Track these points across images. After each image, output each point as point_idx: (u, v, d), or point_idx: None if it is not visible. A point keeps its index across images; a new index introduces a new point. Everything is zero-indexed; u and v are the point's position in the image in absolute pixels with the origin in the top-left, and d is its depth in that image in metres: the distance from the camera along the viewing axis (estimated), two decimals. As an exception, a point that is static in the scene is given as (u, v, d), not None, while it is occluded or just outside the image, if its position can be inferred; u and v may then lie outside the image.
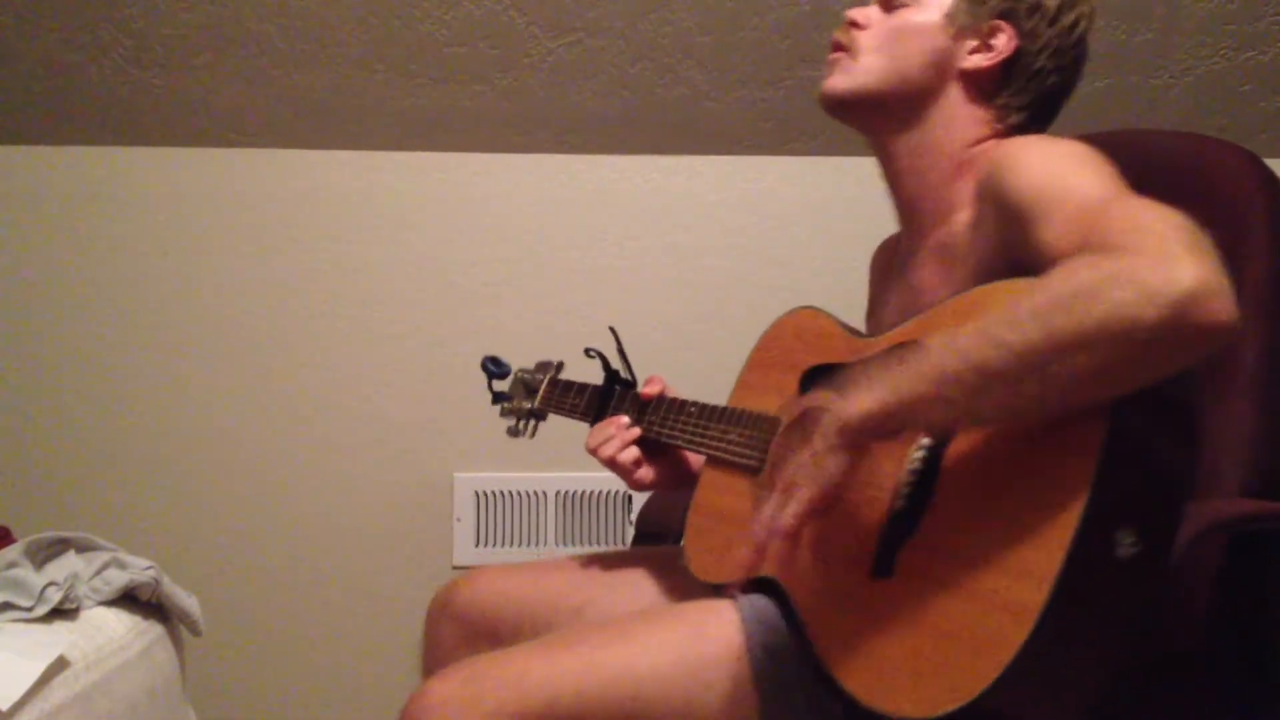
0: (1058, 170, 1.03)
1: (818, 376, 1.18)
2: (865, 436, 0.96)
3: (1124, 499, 0.89)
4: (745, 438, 1.23)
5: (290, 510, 2.12)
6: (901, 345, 1.05)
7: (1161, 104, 2.07)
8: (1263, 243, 1.22)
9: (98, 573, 1.38)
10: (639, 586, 1.34)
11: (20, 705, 1.08)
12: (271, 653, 2.09)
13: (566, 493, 2.14)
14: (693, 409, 1.31)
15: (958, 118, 1.20)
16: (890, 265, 1.36)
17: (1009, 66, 1.19)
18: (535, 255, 2.17)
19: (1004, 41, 1.18)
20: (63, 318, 2.10)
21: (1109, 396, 0.88)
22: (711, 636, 1.08)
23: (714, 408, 1.30)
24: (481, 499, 2.13)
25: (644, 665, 1.06)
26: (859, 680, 0.97)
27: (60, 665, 1.17)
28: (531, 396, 1.51)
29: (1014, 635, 0.87)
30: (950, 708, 0.89)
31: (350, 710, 2.10)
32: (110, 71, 1.99)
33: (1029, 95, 1.21)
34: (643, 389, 1.38)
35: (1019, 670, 0.86)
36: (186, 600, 1.49)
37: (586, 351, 1.44)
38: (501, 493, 2.13)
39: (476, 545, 2.13)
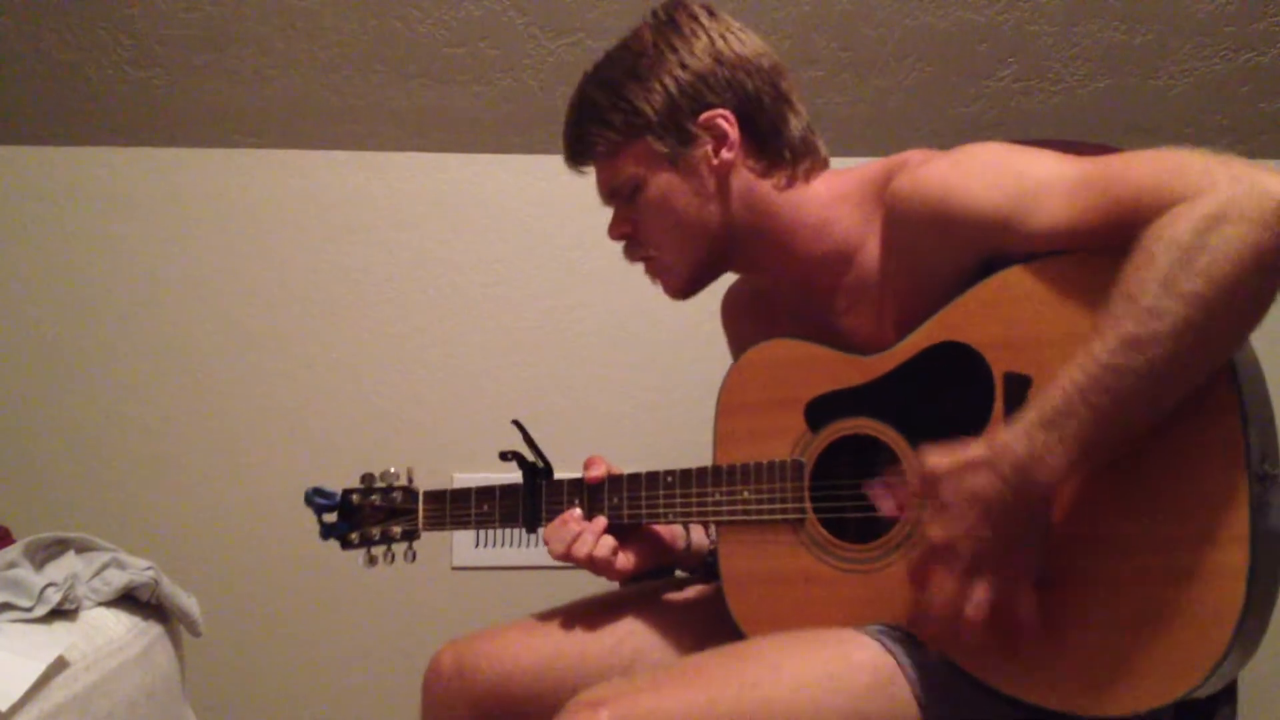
0: (1010, 166, 1.02)
1: (829, 406, 1.12)
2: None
3: (1261, 432, 0.91)
4: (763, 493, 1.15)
5: (290, 510, 2.11)
6: (950, 344, 1.02)
7: (1161, 104, 2.07)
8: None
9: (97, 573, 1.38)
10: (683, 627, 1.25)
11: (20, 705, 1.08)
12: (271, 653, 2.09)
13: (566, 493, 2.14)
14: (669, 479, 1.21)
15: (765, 204, 1.17)
16: (750, 310, 1.33)
17: (750, 133, 1.16)
18: (535, 255, 2.17)
19: (724, 124, 1.15)
20: (62, 318, 2.10)
21: (1258, 324, 0.89)
22: (859, 663, 1.01)
23: (702, 471, 1.20)
24: (481, 499, 2.13)
25: (803, 702, 0.98)
26: (1051, 693, 0.95)
27: (60, 666, 1.17)
28: (398, 518, 1.36)
29: (1233, 599, 0.88)
30: (1189, 686, 0.89)
31: (350, 710, 2.10)
32: (110, 71, 1.99)
33: (784, 129, 1.17)
34: (587, 474, 1.25)
35: (1241, 632, 0.87)
36: (186, 600, 1.49)
37: (502, 455, 1.28)
38: (501, 493, 2.13)
39: (476, 546, 2.13)
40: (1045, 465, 0.90)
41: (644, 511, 1.22)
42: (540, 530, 1.27)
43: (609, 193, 1.23)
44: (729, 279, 1.35)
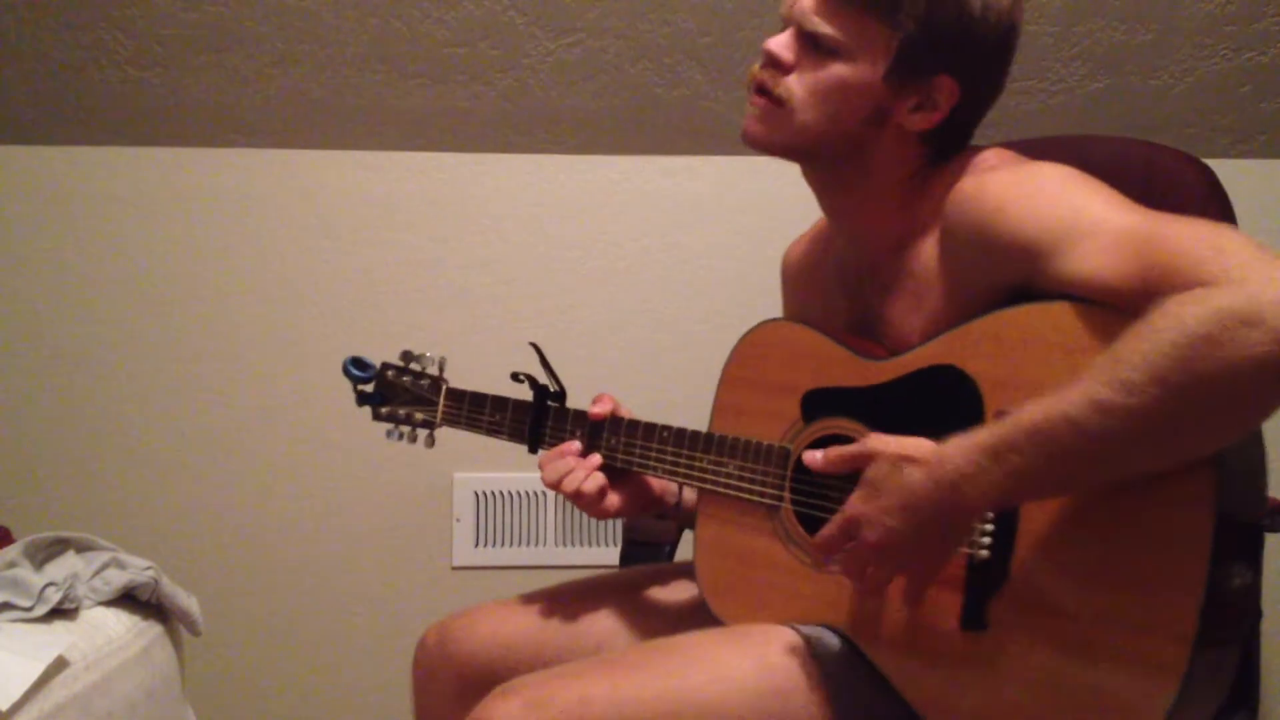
0: (1065, 199, 0.99)
1: (824, 401, 1.13)
2: (979, 520, 0.94)
3: (1235, 535, 0.87)
4: (748, 471, 1.16)
5: (290, 510, 2.12)
6: (950, 369, 1.02)
7: (1161, 104, 2.07)
8: None
9: (97, 573, 1.38)
10: (654, 616, 1.27)
11: (20, 705, 1.08)
12: (271, 653, 2.09)
13: (566, 493, 2.14)
14: (665, 434, 1.22)
15: (894, 161, 1.13)
16: (812, 273, 1.31)
17: (949, 117, 1.11)
18: (535, 255, 2.16)
19: (945, 98, 1.10)
20: (62, 318, 2.10)
21: (1236, 438, 0.85)
22: (778, 665, 1.03)
23: (695, 434, 1.21)
24: (481, 499, 2.13)
25: (713, 696, 1.01)
26: None
27: (60, 665, 1.17)
28: (422, 405, 1.38)
29: (1160, 697, 0.85)
30: None
31: (350, 710, 2.10)
32: (110, 71, 1.99)
33: (966, 130, 1.15)
34: (591, 409, 1.27)
35: None
36: (186, 600, 1.49)
37: (514, 376, 1.31)
38: (501, 493, 2.13)
39: (476, 545, 2.13)
40: (977, 488, 0.90)
41: (636, 459, 1.24)
42: (540, 452, 1.29)
43: (810, 28, 1.09)
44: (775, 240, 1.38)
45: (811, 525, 1.12)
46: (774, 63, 1.11)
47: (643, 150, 2.18)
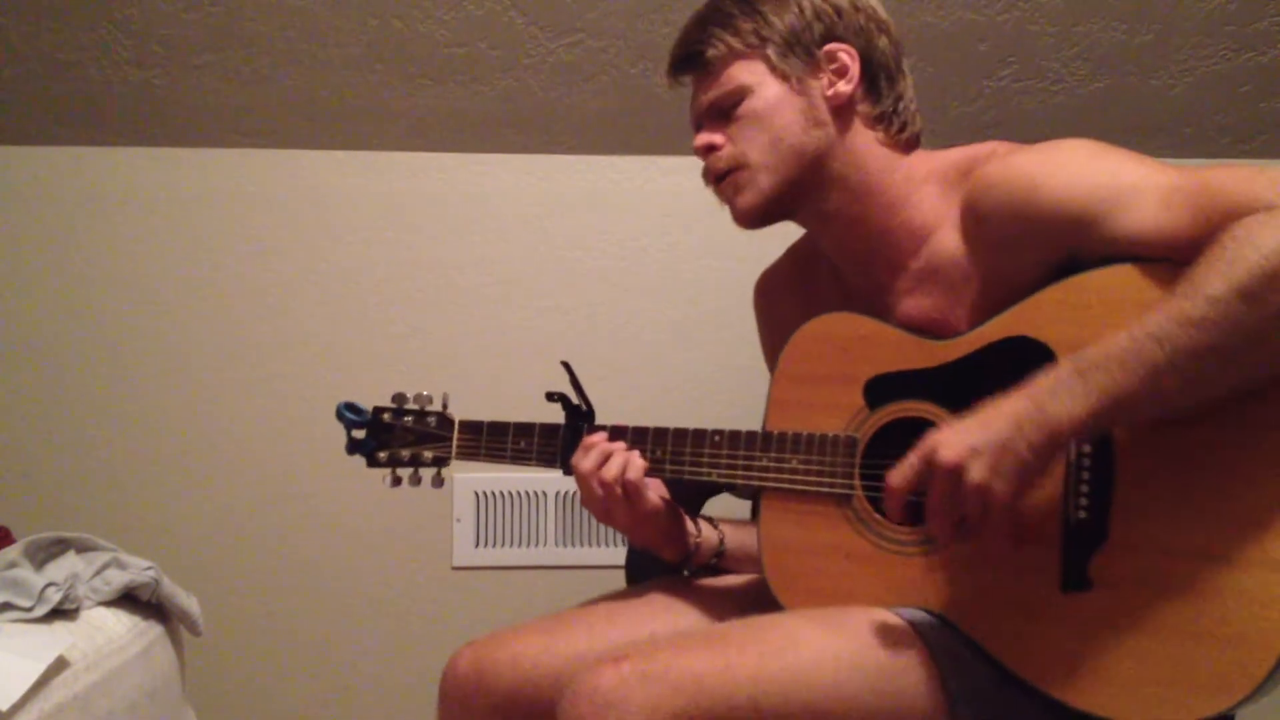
0: (1100, 166, 1.02)
1: (890, 386, 1.12)
2: (1068, 441, 0.93)
3: None
4: (813, 465, 1.15)
5: (290, 510, 2.12)
6: (1024, 340, 1.02)
7: (1161, 104, 2.07)
8: None
9: (97, 573, 1.38)
10: (702, 613, 1.25)
11: (20, 705, 1.08)
12: (271, 653, 2.09)
13: (566, 493, 2.14)
14: (718, 438, 1.19)
15: (861, 153, 1.17)
16: (788, 297, 1.32)
17: (868, 80, 1.17)
18: (535, 255, 2.17)
19: (847, 58, 1.16)
20: (62, 318, 2.10)
21: None
22: (884, 642, 1.02)
23: (752, 434, 1.19)
24: (481, 499, 2.13)
25: (824, 674, 0.99)
26: (1091, 695, 0.95)
27: (60, 665, 1.17)
28: (430, 443, 1.34)
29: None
30: (1221, 707, 0.89)
31: (350, 710, 2.10)
32: (110, 71, 1.99)
33: (897, 90, 1.19)
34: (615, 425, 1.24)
35: None
36: (186, 600, 1.49)
37: (548, 396, 1.27)
38: (501, 493, 2.13)
39: (476, 546, 2.13)
40: (1063, 405, 0.90)
41: (687, 467, 1.19)
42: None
43: (709, 104, 1.20)
44: (762, 257, 1.39)
45: (883, 509, 1.11)
46: (709, 149, 1.20)
47: (643, 150, 2.18)
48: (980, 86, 2.05)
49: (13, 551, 1.34)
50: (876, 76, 1.17)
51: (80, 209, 2.11)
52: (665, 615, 1.24)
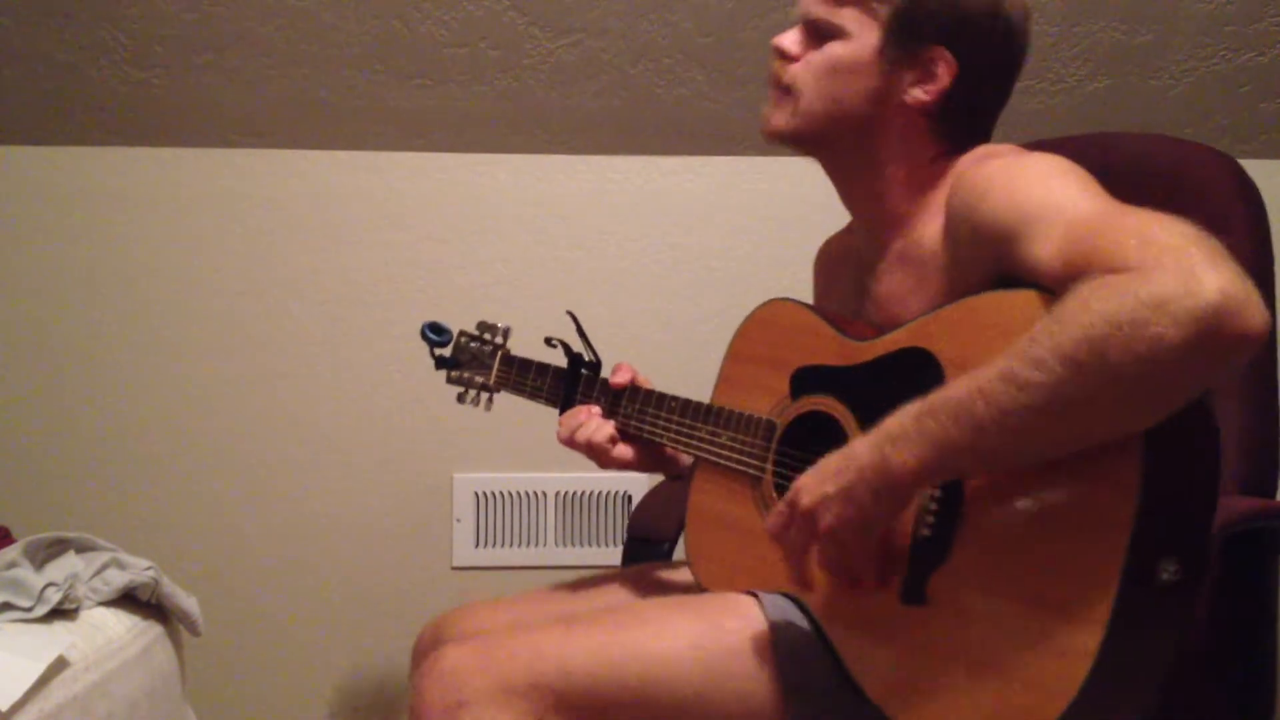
0: (1039, 187, 1.01)
1: (810, 379, 1.17)
2: (909, 491, 0.95)
3: (1165, 527, 0.87)
4: (738, 442, 1.22)
5: (290, 510, 2.12)
6: (921, 352, 1.04)
7: (1161, 104, 2.07)
8: (1244, 246, 1.21)
9: (97, 573, 1.38)
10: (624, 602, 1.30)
11: (20, 705, 1.08)
12: (271, 653, 2.09)
13: (566, 493, 2.14)
14: (673, 404, 1.29)
15: (904, 142, 1.17)
16: (839, 265, 1.35)
17: (951, 92, 1.14)
18: (535, 255, 2.17)
19: (943, 69, 1.13)
20: (62, 318, 2.10)
21: (1146, 424, 0.86)
22: (731, 629, 1.07)
23: (698, 405, 1.27)
24: (481, 499, 2.13)
25: (658, 649, 1.05)
26: (897, 706, 0.97)
27: (60, 665, 1.17)
28: (484, 371, 1.47)
29: (1069, 680, 0.86)
30: None
31: (350, 710, 2.10)
32: (110, 71, 1.99)
33: (971, 114, 1.18)
34: (612, 378, 1.35)
35: (1074, 713, 0.86)
36: (186, 600, 1.49)
37: (547, 341, 1.41)
38: (501, 493, 2.13)
39: (476, 546, 2.13)
40: (901, 454, 0.92)
41: (645, 426, 1.31)
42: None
43: (812, 19, 1.18)
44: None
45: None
46: (781, 55, 1.20)
47: (643, 150, 2.18)
48: (980, 86, 2.05)
49: (13, 551, 1.34)
50: (965, 99, 1.15)
51: (80, 209, 2.11)
52: (605, 598, 1.32)
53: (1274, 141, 2.13)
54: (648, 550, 1.53)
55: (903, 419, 0.93)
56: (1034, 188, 1.01)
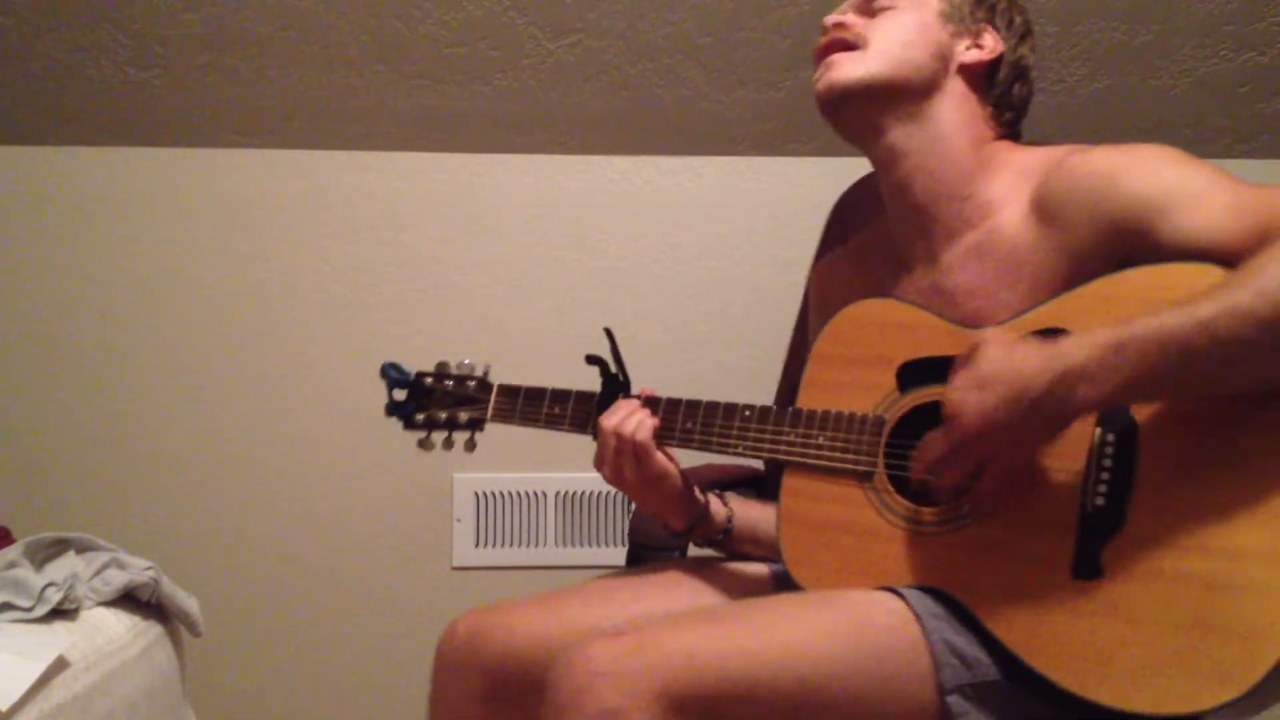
0: (1175, 169, 1.05)
1: (923, 371, 1.13)
2: (1087, 415, 0.97)
3: None
4: (840, 441, 1.16)
5: (290, 510, 2.12)
6: (1055, 332, 1.02)
7: (1161, 104, 2.07)
8: None
9: (97, 573, 1.38)
10: (699, 597, 1.25)
11: (20, 705, 1.08)
12: (271, 653, 2.09)
13: (566, 493, 2.14)
14: (748, 413, 1.21)
15: (962, 112, 1.20)
16: (865, 257, 1.32)
17: (995, 67, 1.22)
18: (535, 255, 2.17)
19: (992, 42, 1.21)
20: (62, 318, 2.10)
21: None
22: (881, 625, 1.03)
23: (782, 410, 1.20)
24: (481, 499, 2.13)
25: (815, 649, 1.00)
26: (1097, 684, 0.95)
27: (60, 665, 1.17)
28: (467, 405, 1.36)
29: None
30: (1226, 698, 0.89)
31: (350, 710, 2.10)
32: (110, 71, 1.99)
33: (1012, 97, 1.23)
34: (644, 392, 1.28)
35: None
36: (186, 600, 1.49)
37: (588, 359, 1.30)
38: (501, 493, 2.13)
39: (476, 546, 2.13)
40: (1094, 381, 0.92)
41: (715, 439, 1.22)
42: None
43: None
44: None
45: (907, 490, 1.12)
46: (839, 25, 1.21)
47: (643, 150, 2.18)
48: (980, 86, 2.05)
49: (13, 551, 1.34)
50: (1008, 72, 1.22)
51: (80, 209, 2.11)
52: (660, 595, 1.25)
53: (1274, 141, 2.13)
54: (654, 557, 1.49)
55: (1093, 350, 0.93)
56: (1170, 168, 1.05)
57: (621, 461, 1.22)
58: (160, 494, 2.10)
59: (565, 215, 2.17)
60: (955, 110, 1.19)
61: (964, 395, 0.98)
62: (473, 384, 1.37)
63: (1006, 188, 1.15)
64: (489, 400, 1.35)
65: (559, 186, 2.17)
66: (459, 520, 2.13)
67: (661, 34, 1.97)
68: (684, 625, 1.02)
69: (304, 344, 2.13)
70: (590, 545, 2.14)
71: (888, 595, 1.06)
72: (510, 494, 2.13)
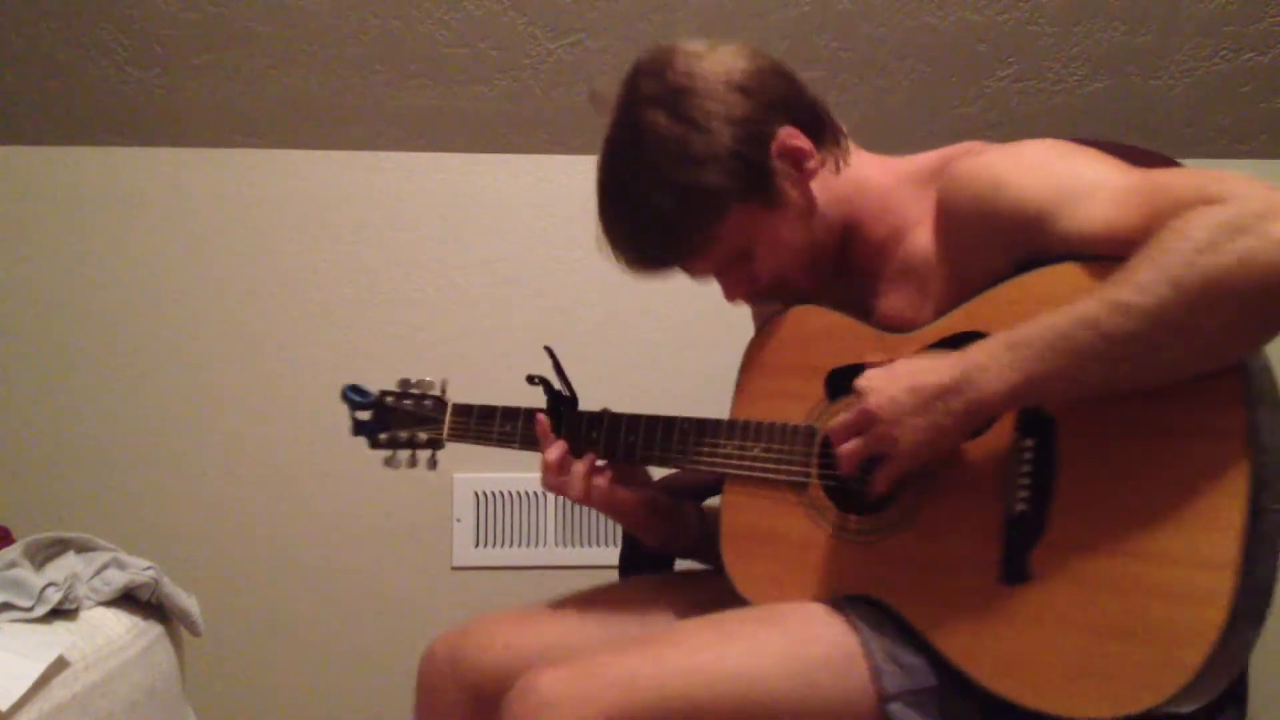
0: (1061, 164, 1.03)
1: (849, 378, 1.12)
2: (991, 415, 0.97)
3: (1271, 468, 0.90)
4: (775, 452, 1.16)
5: (290, 510, 2.12)
6: (975, 335, 1.02)
7: (1161, 104, 2.07)
8: None
9: (97, 573, 1.38)
10: (677, 615, 1.26)
11: (20, 705, 1.08)
12: (271, 653, 2.09)
13: (566, 493, 2.14)
14: (686, 425, 1.22)
15: (839, 191, 1.18)
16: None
17: (812, 136, 1.16)
18: (535, 255, 2.17)
19: (794, 140, 1.14)
20: (62, 318, 2.10)
21: (1245, 351, 0.89)
22: (818, 637, 1.05)
23: (717, 422, 1.21)
24: (481, 499, 2.13)
25: (752, 668, 1.02)
26: (1026, 689, 0.96)
27: (60, 665, 1.17)
28: (426, 425, 1.37)
29: (1211, 624, 0.87)
30: (1151, 703, 0.89)
31: (350, 710, 2.10)
32: (110, 71, 1.99)
33: (822, 114, 1.18)
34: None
35: (1214, 658, 0.87)
36: (186, 600, 1.49)
37: (529, 379, 1.31)
38: (501, 493, 2.13)
39: (476, 545, 2.13)
40: (989, 376, 0.94)
41: (656, 454, 1.23)
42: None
43: (719, 268, 1.20)
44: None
45: (840, 499, 1.13)
46: (749, 290, 1.20)
47: (643, 150, 2.17)
48: (980, 87, 2.05)
49: (13, 551, 1.34)
50: (811, 124, 1.16)
51: (80, 209, 2.11)
52: (636, 610, 1.27)
53: (1274, 141, 2.13)
54: (646, 560, 1.49)
55: (990, 349, 0.95)
56: (1056, 167, 1.03)
57: (591, 505, 1.27)
58: (160, 494, 2.09)
59: (565, 215, 2.17)
60: (838, 202, 1.18)
61: (872, 377, 1.01)
62: (429, 403, 1.38)
63: (910, 205, 1.15)
64: (444, 419, 1.37)
65: (559, 186, 2.17)
66: (459, 520, 2.13)
67: (661, 34, 1.97)
68: (628, 651, 1.05)
69: (304, 343, 2.13)
70: (590, 545, 2.14)
71: (824, 608, 1.07)
72: (510, 494, 2.13)
